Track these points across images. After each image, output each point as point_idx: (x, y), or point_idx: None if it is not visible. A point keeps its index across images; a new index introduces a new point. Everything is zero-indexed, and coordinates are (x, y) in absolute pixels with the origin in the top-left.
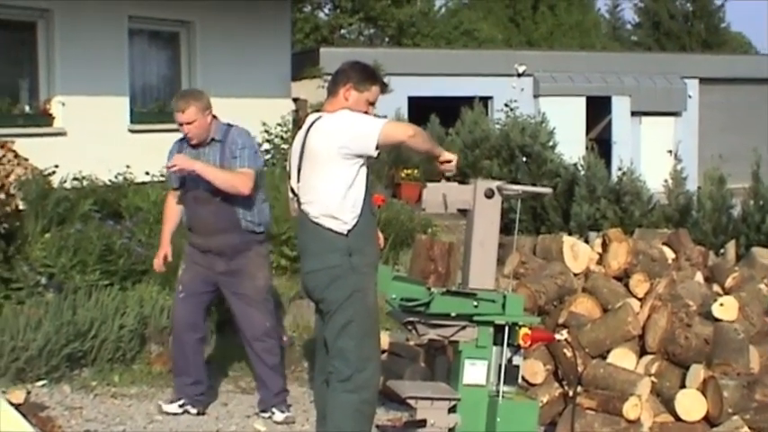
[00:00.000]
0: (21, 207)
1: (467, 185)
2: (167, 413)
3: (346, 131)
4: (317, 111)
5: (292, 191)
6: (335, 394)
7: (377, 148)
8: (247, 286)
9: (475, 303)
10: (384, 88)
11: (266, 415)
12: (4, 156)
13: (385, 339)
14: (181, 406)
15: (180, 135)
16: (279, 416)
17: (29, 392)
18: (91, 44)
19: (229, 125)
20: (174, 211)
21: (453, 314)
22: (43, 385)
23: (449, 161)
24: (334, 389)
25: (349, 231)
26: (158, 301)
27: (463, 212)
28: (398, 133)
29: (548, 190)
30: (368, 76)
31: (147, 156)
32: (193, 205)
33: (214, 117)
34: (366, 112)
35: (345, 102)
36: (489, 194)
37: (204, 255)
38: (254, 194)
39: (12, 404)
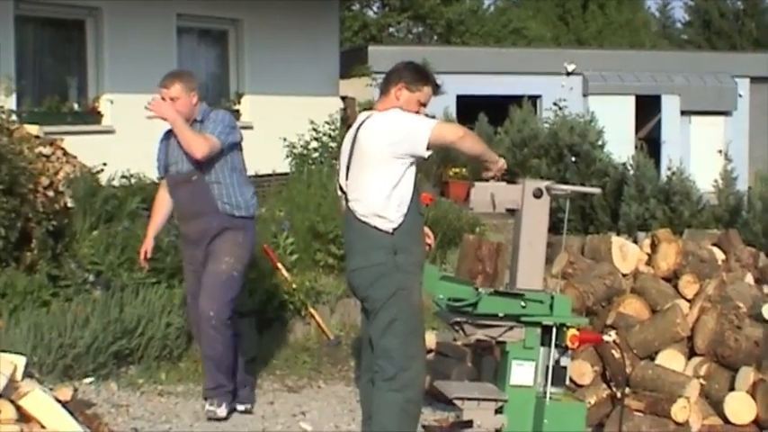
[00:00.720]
0: (69, 205)
1: (515, 185)
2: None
3: (397, 131)
4: (368, 109)
5: (341, 188)
6: (381, 393)
7: (428, 148)
8: (209, 269)
9: (522, 304)
10: (437, 89)
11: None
12: (53, 153)
13: (432, 339)
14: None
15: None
16: (207, 406)
17: (76, 390)
18: (139, 42)
19: (213, 109)
20: (162, 203)
21: (501, 315)
22: (90, 383)
23: (499, 168)
24: (380, 388)
25: (394, 230)
26: None
27: (511, 212)
28: (449, 134)
29: (596, 190)
30: (421, 76)
31: None
32: (174, 189)
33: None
34: (417, 113)
35: (396, 101)
36: (538, 194)
37: (188, 248)
38: (232, 176)
39: (59, 401)
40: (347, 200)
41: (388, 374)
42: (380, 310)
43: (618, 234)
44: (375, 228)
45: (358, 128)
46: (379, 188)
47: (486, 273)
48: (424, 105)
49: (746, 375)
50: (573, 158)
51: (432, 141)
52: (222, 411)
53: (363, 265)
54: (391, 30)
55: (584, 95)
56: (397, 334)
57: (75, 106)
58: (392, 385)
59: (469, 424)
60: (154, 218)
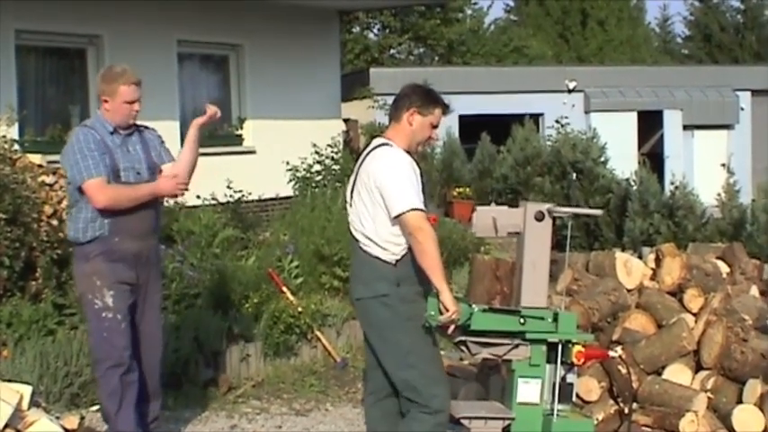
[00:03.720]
0: None
1: (517, 209)
2: None
3: (384, 187)
4: (378, 135)
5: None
6: (412, 420)
7: (395, 218)
8: (153, 319)
9: (521, 320)
10: (446, 110)
11: None
12: (56, 182)
13: None
14: None
15: (82, 125)
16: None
17: (83, 418)
18: (141, 69)
19: None
20: None
21: (504, 331)
22: (97, 410)
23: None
24: (413, 417)
25: (397, 261)
26: (211, 325)
27: (514, 234)
28: (411, 226)
29: (598, 212)
30: (431, 99)
31: (197, 179)
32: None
33: None
34: (430, 137)
35: (410, 127)
36: (539, 217)
37: (129, 268)
38: None
39: (66, 429)
40: (351, 228)
41: (418, 403)
42: (392, 343)
43: (622, 250)
44: (378, 258)
45: (364, 158)
46: (379, 220)
47: (503, 292)
48: (436, 127)
49: (754, 388)
50: (575, 175)
51: (399, 220)
52: None
53: (367, 296)
54: (392, 51)
55: (586, 112)
56: (414, 365)
57: None
58: (425, 409)
59: None
60: None
